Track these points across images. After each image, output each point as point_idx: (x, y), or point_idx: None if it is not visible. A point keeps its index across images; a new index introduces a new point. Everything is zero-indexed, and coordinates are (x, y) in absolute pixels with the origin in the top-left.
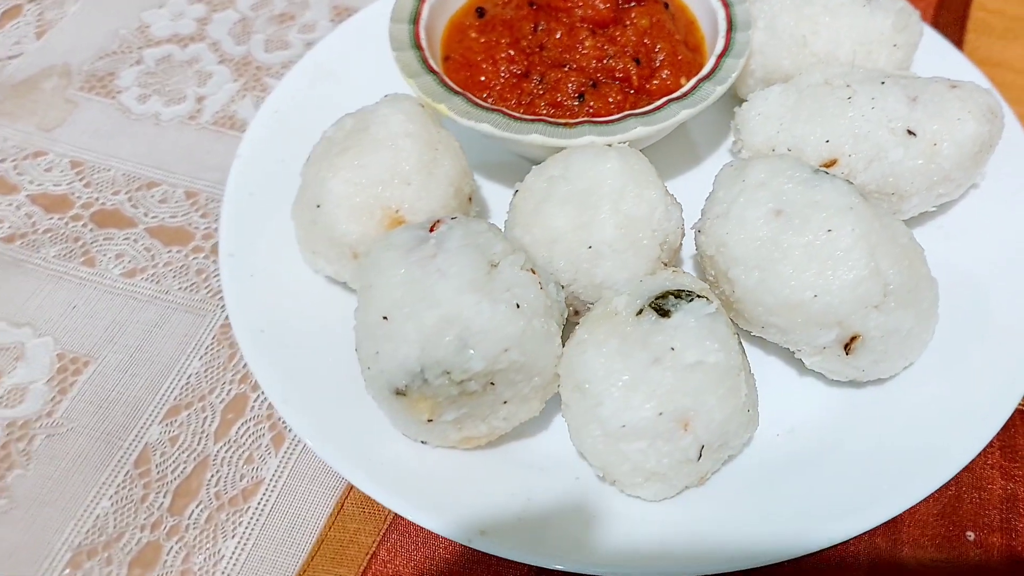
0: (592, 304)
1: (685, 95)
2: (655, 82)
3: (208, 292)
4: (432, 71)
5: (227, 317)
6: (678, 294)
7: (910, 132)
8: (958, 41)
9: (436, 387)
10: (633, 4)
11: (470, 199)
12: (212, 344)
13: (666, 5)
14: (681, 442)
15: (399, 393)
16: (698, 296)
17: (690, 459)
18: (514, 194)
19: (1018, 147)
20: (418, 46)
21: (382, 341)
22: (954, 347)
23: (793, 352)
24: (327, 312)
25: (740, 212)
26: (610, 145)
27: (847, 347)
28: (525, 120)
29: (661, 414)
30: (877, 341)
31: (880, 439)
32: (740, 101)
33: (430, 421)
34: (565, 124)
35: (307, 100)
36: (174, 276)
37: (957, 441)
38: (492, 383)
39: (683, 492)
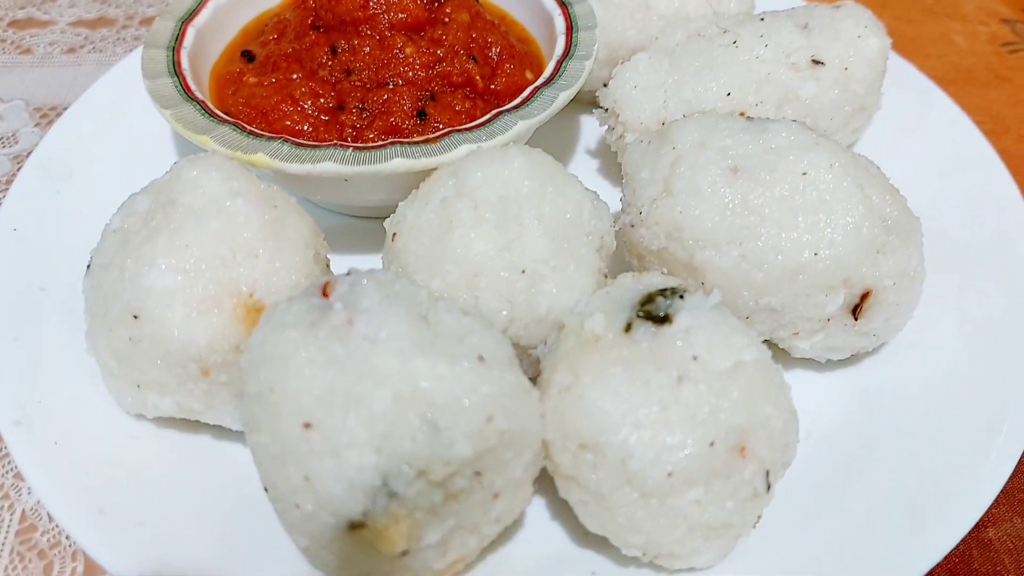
0: (535, 348)
1: (521, 104)
2: (501, 79)
3: None
4: (193, 99)
5: (21, 518)
6: (664, 293)
7: (815, 61)
8: None
9: (410, 498)
10: (442, 1)
11: (327, 265)
12: (12, 561)
13: None
14: (744, 473)
15: (355, 526)
16: (688, 289)
17: (758, 493)
18: (391, 239)
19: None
20: (177, 73)
21: (312, 460)
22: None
23: (780, 343)
24: (180, 457)
25: (688, 184)
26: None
27: (856, 310)
28: (312, 146)
29: (713, 444)
30: (889, 292)
31: (912, 423)
32: (585, 99)
33: (405, 554)
34: (361, 148)
35: (47, 208)
36: None
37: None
38: (479, 472)
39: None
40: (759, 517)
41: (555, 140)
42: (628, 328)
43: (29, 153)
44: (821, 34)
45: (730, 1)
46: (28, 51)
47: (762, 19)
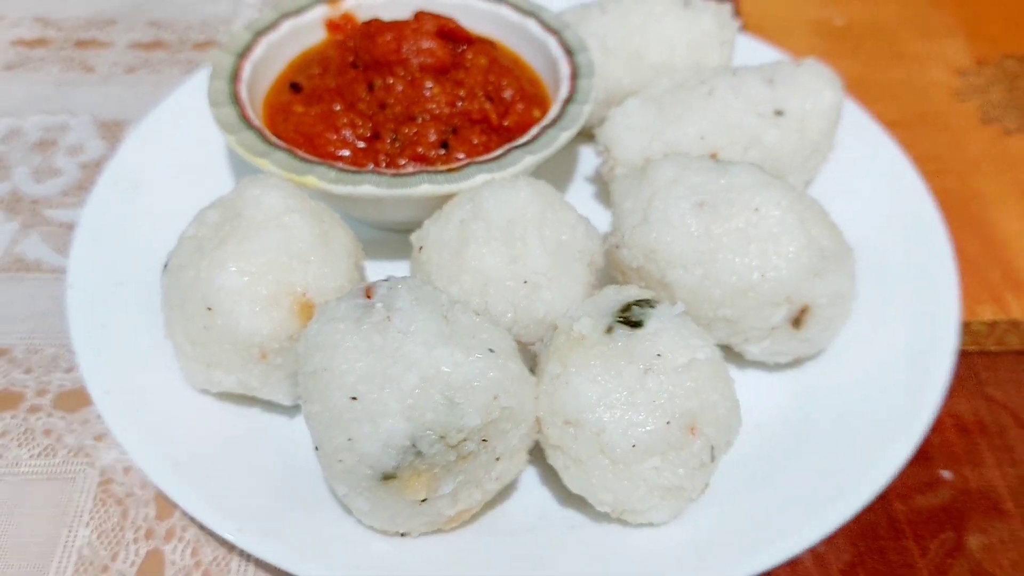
0: (533, 344)
1: (530, 142)
2: (512, 118)
3: (68, 452)
4: (252, 126)
5: (102, 473)
6: (639, 303)
7: (778, 112)
8: None
9: (431, 457)
10: (464, 47)
11: (363, 271)
12: (95, 507)
13: (493, 45)
14: (693, 447)
15: (387, 477)
16: (659, 301)
17: (704, 463)
18: (417, 251)
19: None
20: (237, 103)
21: (355, 425)
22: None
23: (734, 347)
24: (233, 425)
25: (661, 214)
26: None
27: (797, 321)
28: (354, 171)
29: (669, 423)
30: (824, 308)
31: (841, 416)
32: (584, 134)
33: (424, 501)
34: (396, 175)
35: (122, 215)
36: (18, 445)
37: (915, 399)
38: (485, 439)
39: (689, 508)
40: (707, 485)
41: (558, 169)
42: (609, 330)
43: (96, 163)
44: (784, 87)
45: (712, 55)
46: (91, 69)
47: (735, 73)
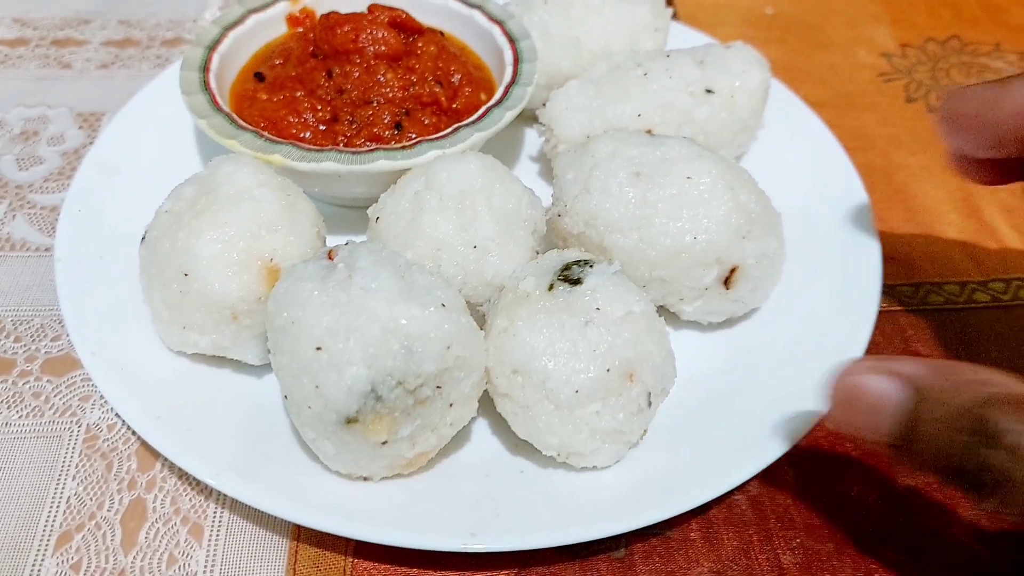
0: (481, 305)
1: (477, 121)
2: (461, 100)
3: (55, 412)
4: (222, 111)
5: (87, 431)
6: (579, 263)
7: (708, 91)
8: None
9: (391, 401)
10: (416, 37)
11: (325, 241)
12: (81, 461)
13: (442, 34)
14: (631, 393)
15: (350, 421)
16: (597, 261)
17: (642, 408)
18: (374, 221)
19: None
20: (207, 91)
21: (321, 373)
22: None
23: (670, 307)
24: (208, 382)
25: (601, 184)
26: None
27: (727, 281)
28: (316, 150)
29: (609, 370)
30: (752, 268)
31: (772, 371)
32: (527, 115)
33: (385, 443)
34: (355, 152)
35: (103, 195)
36: (8, 408)
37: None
38: (439, 386)
39: (629, 453)
40: (645, 431)
41: (506, 148)
42: (551, 288)
43: (75, 151)
44: (714, 68)
45: (646, 41)
46: (68, 66)
47: (668, 56)
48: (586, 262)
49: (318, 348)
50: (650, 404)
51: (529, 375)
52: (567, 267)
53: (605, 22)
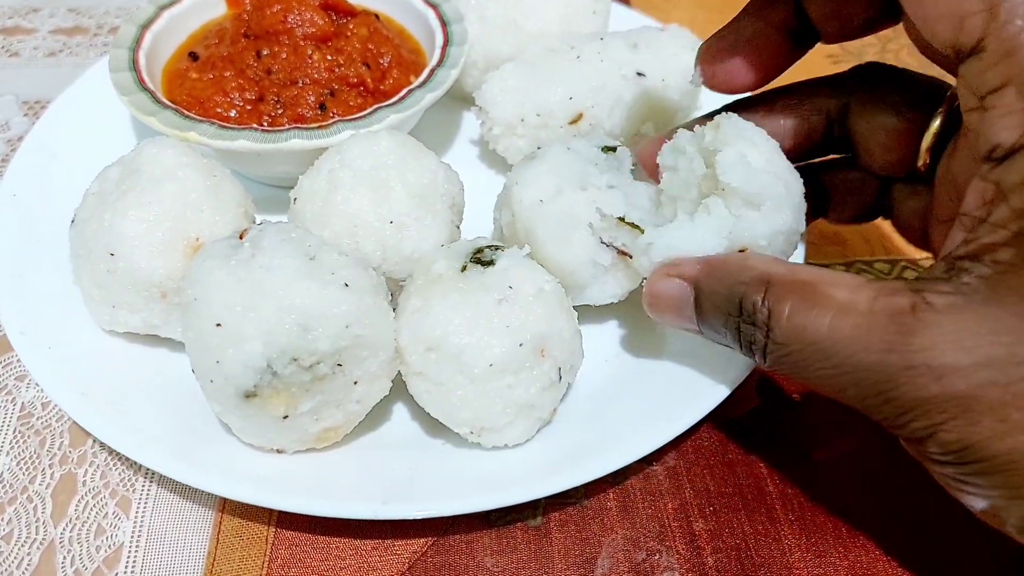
0: (403, 281)
1: (397, 102)
2: (389, 82)
3: None
4: (146, 89)
5: (21, 408)
6: (490, 247)
7: (639, 73)
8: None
9: (287, 377)
10: (347, 19)
11: (254, 220)
12: (15, 438)
13: (376, 17)
14: (543, 367)
15: (249, 395)
16: (506, 246)
17: (553, 382)
18: (293, 203)
19: None
20: (135, 68)
21: (220, 349)
22: None
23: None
24: (139, 360)
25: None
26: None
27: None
28: (233, 128)
29: (521, 344)
30: None
31: (684, 347)
32: (469, 99)
33: (286, 418)
34: (270, 131)
35: (41, 180)
36: None
37: None
38: (339, 364)
39: (543, 432)
40: (555, 409)
41: (445, 131)
42: (463, 269)
43: (20, 138)
44: (647, 51)
45: (585, 23)
46: (16, 54)
47: (603, 39)
48: (496, 247)
49: (218, 324)
50: (560, 378)
51: (443, 350)
52: (479, 250)
53: (543, 5)
